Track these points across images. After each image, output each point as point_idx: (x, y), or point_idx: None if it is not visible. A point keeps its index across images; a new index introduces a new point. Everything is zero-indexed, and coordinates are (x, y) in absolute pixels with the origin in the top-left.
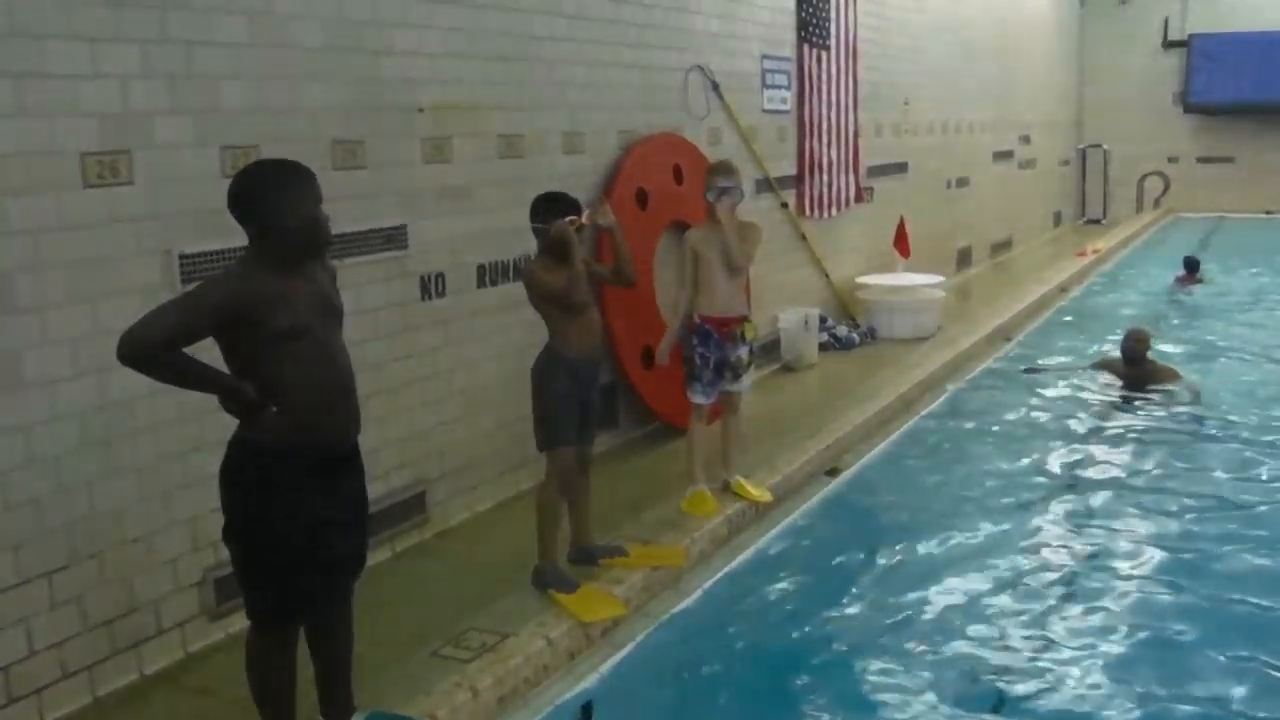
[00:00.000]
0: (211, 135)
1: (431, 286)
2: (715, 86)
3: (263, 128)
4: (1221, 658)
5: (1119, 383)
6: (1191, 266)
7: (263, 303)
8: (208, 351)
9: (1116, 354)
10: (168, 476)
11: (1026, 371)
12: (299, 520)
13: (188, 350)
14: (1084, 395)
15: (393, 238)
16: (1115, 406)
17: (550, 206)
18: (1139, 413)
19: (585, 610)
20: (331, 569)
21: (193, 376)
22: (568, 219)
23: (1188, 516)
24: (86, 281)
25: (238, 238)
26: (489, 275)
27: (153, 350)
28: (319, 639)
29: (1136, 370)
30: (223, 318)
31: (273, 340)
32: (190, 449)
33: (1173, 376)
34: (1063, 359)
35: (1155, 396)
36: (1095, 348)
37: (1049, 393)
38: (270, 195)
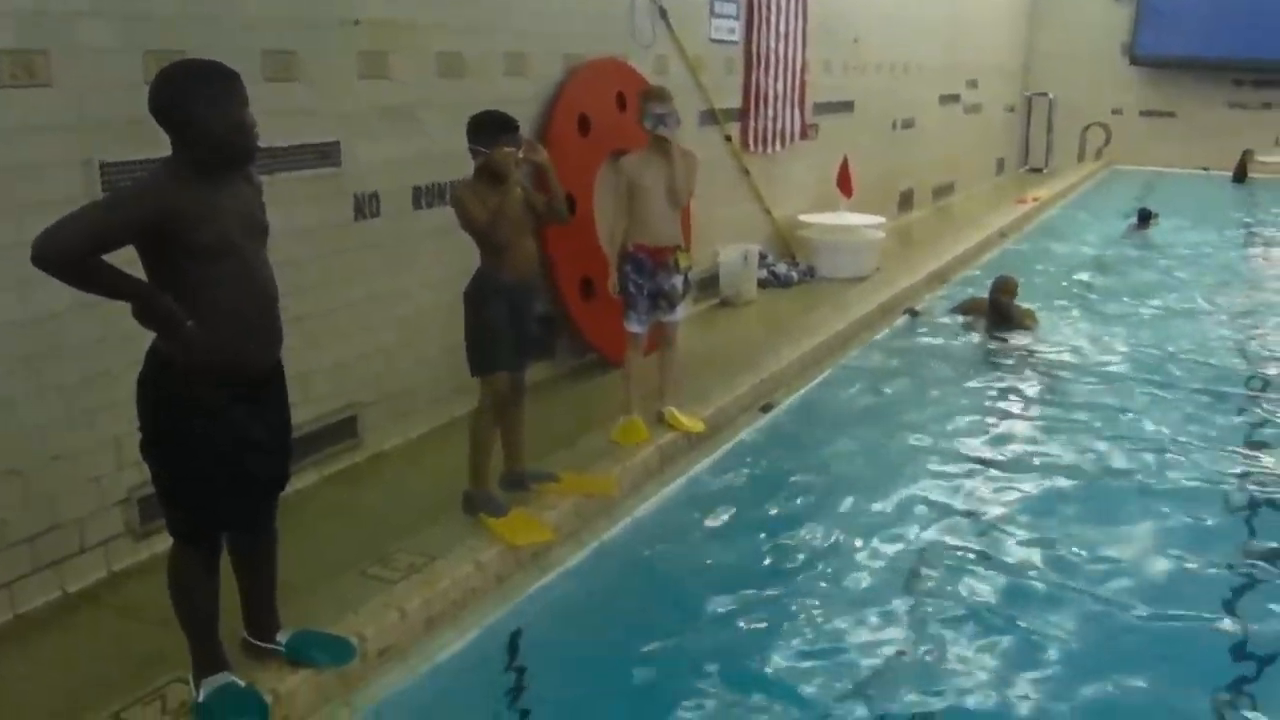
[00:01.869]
0: (136, 40)
1: (366, 207)
2: (663, 13)
3: (190, 34)
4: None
5: (985, 323)
6: (1144, 217)
7: (185, 216)
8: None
9: (983, 296)
10: (92, 394)
11: (907, 313)
12: (215, 439)
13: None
14: (965, 336)
15: (326, 154)
16: (989, 346)
17: (491, 128)
18: (1010, 351)
19: (514, 534)
20: (250, 488)
21: (109, 283)
22: (509, 149)
23: (1063, 444)
24: (3, 190)
25: (163, 148)
26: (426, 198)
27: (69, 256)
28: (242, 557)
29: (1002, 313)
30: (143, 229)
31: (193, 255)
32: (116, 367)
33: (1031, 318)
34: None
35: (1016, 337)
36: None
37: (945, 333)
38: (193, 98)
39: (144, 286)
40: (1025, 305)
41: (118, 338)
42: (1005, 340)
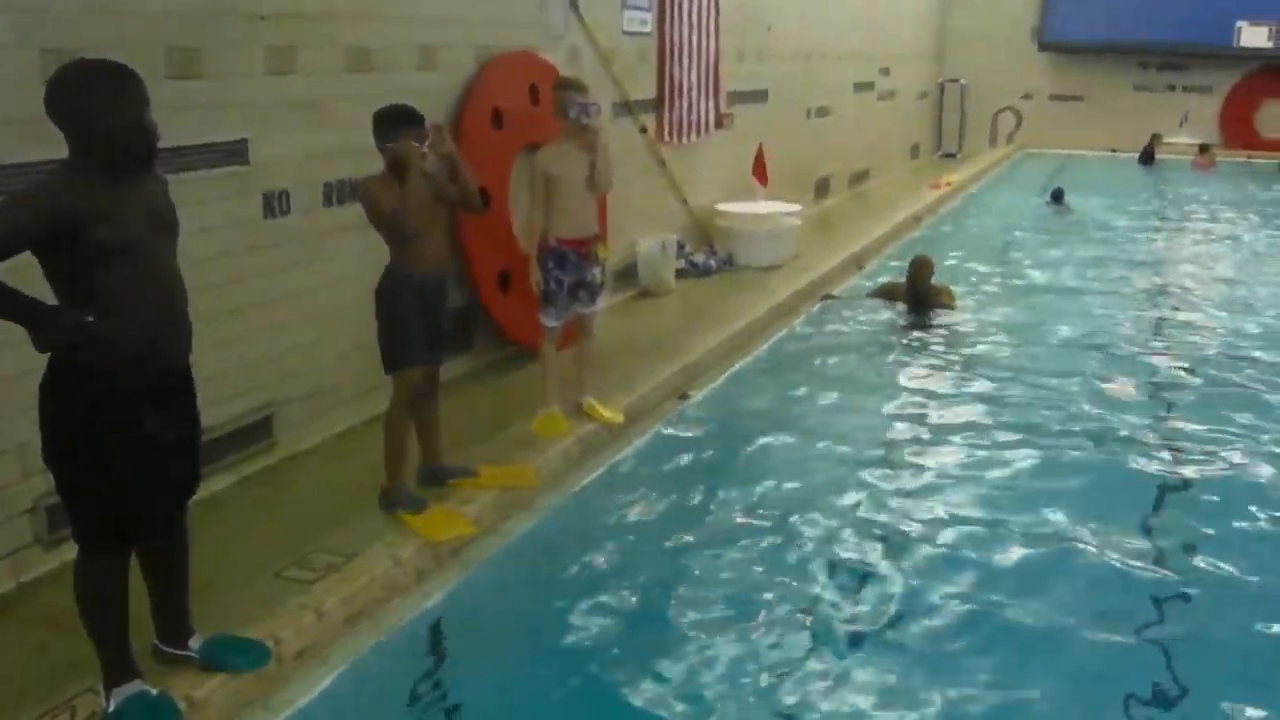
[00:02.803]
0: (32, 37)
1: (276, 205)
2: (574, 5)
3: (89, 31)
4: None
5: (905, 306)
6: (1057, 196)
7: (85, 214)
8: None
9: (899, 280)
10: None
11: (824, 299)
12: (122, 443)
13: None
14: (883, 320)
15: (233, 152)
16: (908, 328)
17: (395, 122)
18: (929, 332)
19: (433, 530)
20: (159, 492)
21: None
22: (414, 141)
23: (994, 427)
24: None
25: (63, 148)
26: (337, 194)
27: None
28: (153, 563)
29: (921, 293)
30: (41, 231)
31: (95, 254)
32: (19, 373)
33: (950, 296)
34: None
35: (936, 316)
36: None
37: (863, 318)
38: (91, 98)
39: (36, 305)
40: (942, 284)
41: (19, 341)
42: (925, 321)
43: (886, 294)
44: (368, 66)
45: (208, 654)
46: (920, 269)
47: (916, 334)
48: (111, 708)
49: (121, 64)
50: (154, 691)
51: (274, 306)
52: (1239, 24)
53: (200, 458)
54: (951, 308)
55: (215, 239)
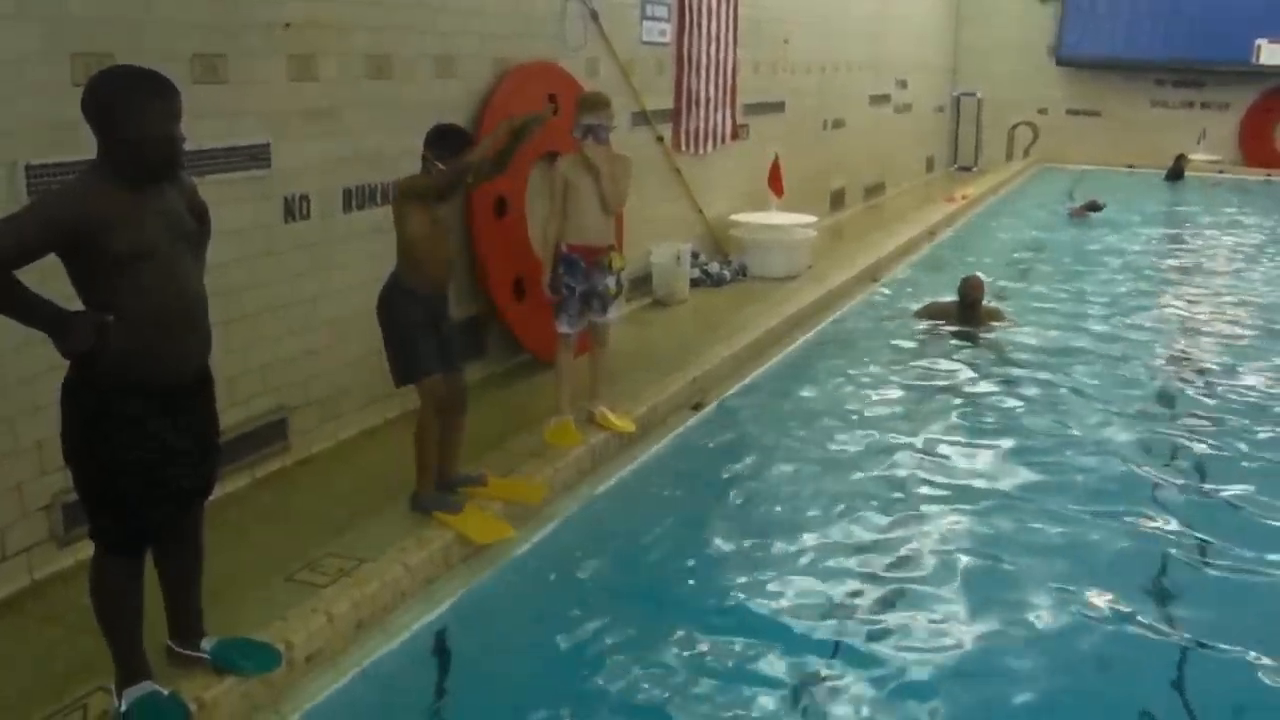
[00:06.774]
0: (62, 42)
1: (296, 209)
2: (594, 16)
3: (118, 37)
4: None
5: (953, 325)
6: (1092, 207)
7: (102, 221)
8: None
9: (946, 299)
10: (12, 400)
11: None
12: (137, 447)
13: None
14: (925, 338)
15: (255, 156)
16: (952, 347)
17: (455, 141)
18: (974, 352)
19: (478, 532)
20: (174, 496)
21: (22, 304)
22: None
23: (1023, 450)
24: None
25: (90, 150)
26: (356, 199)
27: None
28: (167, 564)
29: (970, 314)
30: (60, 237)
31: (112, 261)
32: (37, 372)
33: (1000, 317)
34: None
35: (986, 337)
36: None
37: (897, 335)
38: (123, 106)
39: (59, 312)
40: (993, 305)
41: (40, 342)
42: (975, 338)
43: (933, 313)
44: (386, 74)
45: (219, 656)
46: (972, 289)
47: (948, 349)
48: (123, 707)
49: (157, 75)
50: (165, 692)
51: (291, 310)
52: (1258, 41)
53: (217, 460)
54: (1006, 324)
55: (236, 242)
